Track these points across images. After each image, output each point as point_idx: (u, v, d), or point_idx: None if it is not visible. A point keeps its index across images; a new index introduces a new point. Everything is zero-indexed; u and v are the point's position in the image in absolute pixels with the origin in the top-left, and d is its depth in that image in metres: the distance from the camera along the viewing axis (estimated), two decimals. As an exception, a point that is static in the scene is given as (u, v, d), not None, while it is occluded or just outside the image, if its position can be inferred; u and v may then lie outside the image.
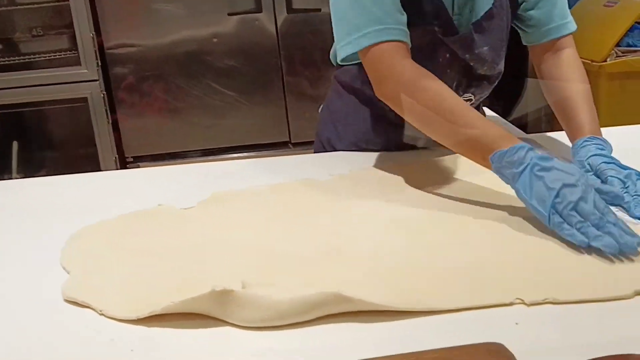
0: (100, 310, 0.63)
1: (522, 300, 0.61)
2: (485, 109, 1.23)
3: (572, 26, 1.02)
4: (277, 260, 0.71)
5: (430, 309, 0.60)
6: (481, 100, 1.06)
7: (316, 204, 0.86)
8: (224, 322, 0.61)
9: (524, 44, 1.06)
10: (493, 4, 0.95)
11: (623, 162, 0.85)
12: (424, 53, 0.93)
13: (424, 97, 0.82)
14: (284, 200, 0.88)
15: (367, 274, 0.67)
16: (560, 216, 0.69)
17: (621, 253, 0.66)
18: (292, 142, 2.53)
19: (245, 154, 2.40)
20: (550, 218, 0.69)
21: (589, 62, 2.12)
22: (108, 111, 2.24)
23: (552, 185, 0.69)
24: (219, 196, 0.90)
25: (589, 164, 0.85)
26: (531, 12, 1.00)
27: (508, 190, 0.78)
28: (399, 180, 0.93)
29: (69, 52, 2.22)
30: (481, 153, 0.77)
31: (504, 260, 0.68)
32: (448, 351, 0.43)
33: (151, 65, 2.28)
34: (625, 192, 0.78)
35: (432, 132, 0.85)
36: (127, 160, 2.35)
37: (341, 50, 0.90)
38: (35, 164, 2.33)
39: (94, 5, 2.17)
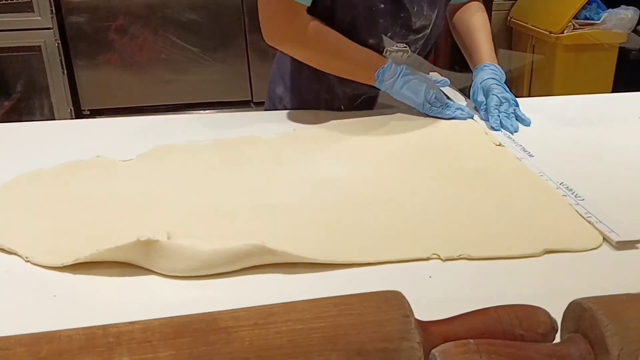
0: (26, 257, 0.64)
1: (438, 255, 0.64)
2: (437, 75, 1.24)
3: None
4: (206, 213, 0.72)
5: (350, 262, 0.63)
6: (418, 52, 1.08)
7: (254, 160, 0.87)
8: (149, 272, 0.62)
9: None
10: None
11: (570, 129, 1.01)
12: (360, 1, 0.97)
13: (313, 42, 0.98)
14: (223, 155, 0.88)
15: (293, 229, 0.69)
16: (429, 103, 1.00)
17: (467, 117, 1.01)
18: (254, 101, 2.51)
19: (206, 112, 2.38)
20: (424, 104, 1.01)
21: (547, 33, 2.15)
22: (63, 61, 2.18)
23: (420, 84, 1.00)
24: (160, 150, 0.90)
25: (483, 83, 1.05)
26: None
27: (436, 154, 0.81)
28: (337, 140, 0.95)
29: (21, -2, 2.15)
30: (367, 73, 1.00)
31: (423, 219, 0.71)
32: (345, 297, 0.45)
33: (110, 15, 2.22)
34: (496, 109, 1.01)
35: (323, 67, 1.02)
36: (84, 112, 2.31)
37: None
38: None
39: (49, -52, 2.09)
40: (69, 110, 2.22)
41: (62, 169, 0.84)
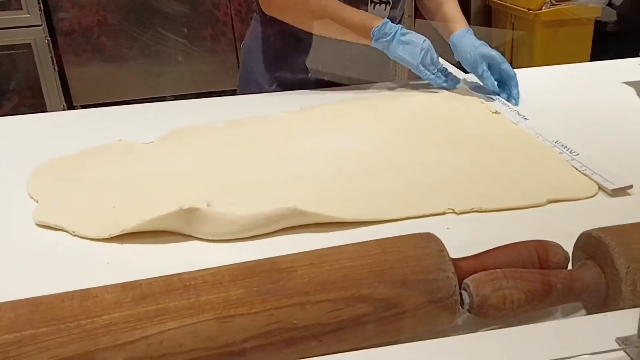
0: (73, 231, 0.69)
1: (452, 210, 0.70)
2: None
3: None
4: (237, 184, 0.77)
5: (375, 219, 0.69)
6: (395, 5, 1.14)
7: (269, 137, 0.92)
8: (190, 238, 0.68)
9: None
10: None
11: (559, 94, 1.09)
12: None
13: (314, 6, 1.05)
14: (240, 133, 0.94)
15: (320, 194, 0.74)
16: (423, 65, 1.05)
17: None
18: (242, 90, 2.55)
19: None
20: (418, 67, 1.04)
21: (526, 10, 2.22)
22: (54, 58, 2.20)
23: (415, 47, 1.04)
24: (178, 132, 0.95)
25: (479, 51, 1.09)
26: None
27: (437, 124, 0.88)
28: (344, 115, 1.00)
29: (8, -4, 2.15)
30: (364, 33, 1.05)
31: (435, 180, 0.77)
32: (386, 239, 0.51)
33: (96, 10, 2.24)
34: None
35: (323, 31, 1.08)
36: (76, 108, 2.33)
37: None
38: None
39: (33, -54, 2.10)
40: (62, 106, 2.24)
41: (87, 153, 0.89)
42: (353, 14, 1.05)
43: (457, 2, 1.20)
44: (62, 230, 0.70)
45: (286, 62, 1.16)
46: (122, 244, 0.67)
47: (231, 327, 0.44)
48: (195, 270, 0.48)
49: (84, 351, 0.42)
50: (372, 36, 1.04)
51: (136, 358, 0.43)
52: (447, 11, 1.17)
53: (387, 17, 1.08)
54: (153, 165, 0.83)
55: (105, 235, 0.67)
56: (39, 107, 2.21)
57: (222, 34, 2.42)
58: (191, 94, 2.45)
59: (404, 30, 1.05)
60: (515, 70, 1.23)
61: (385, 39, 1.04)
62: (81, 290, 0.46)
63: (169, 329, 0.44)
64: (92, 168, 0.84)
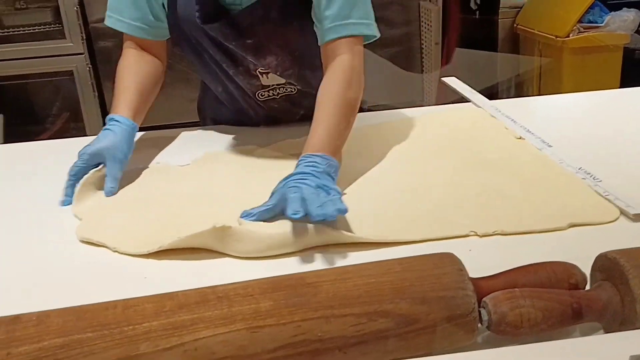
0: (114, 248, 0.73)
1: (475, 232, 0.72)
2: (454, 79, 1.33)
3: (348, 29, 0.88)
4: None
5: (398, 240, 0.71)
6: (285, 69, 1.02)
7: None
8: (223, 255, 0.71)
9: None
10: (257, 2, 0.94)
11: (584, 121, 1.06)
12: (188, 39, 1.00)
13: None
14: (273, 155, 0.98)
15: (346, 216, 0.77)
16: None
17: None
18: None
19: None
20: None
21: (553, 37, 2.24)
22: (94, 84, 2.30)
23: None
24: (211, 155, 1.00)
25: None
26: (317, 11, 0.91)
27: (461, 148, 0.90)
28: (369, 140, 1.03)
29: (53, 26, 2.26)
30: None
31: (458, 202, 0.80)
32: (407, 258, 0.54)
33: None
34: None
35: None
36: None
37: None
38: (22, 137, 2.38)
39: (76, -21, 2.21)
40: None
41: (126, 175, 0.94)
42: (120, 87, 1.00)
43: (332, 117, 0.86)
44: (103, 246, 0.74)
45: None
46: (159, 260, 0.71)
47: (261, 336, 0.47)
48: (227, 284, 0.51)
49: (125, 356, 0.46)
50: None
51: (172, 364, 0.46)
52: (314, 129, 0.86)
53: (285, 81, 1.02)
54: (188, 187, 0.88)
55: (144, 251, 0.71)
56: (79, 130, 2.30)
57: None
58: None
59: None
60: (542, 97, 1.24)
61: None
62: (123, 299, 0.50)
63: (203, 337, 0.47)
64: (131, 188, 0.89)
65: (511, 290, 0.52)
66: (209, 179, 0.91)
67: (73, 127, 2.34)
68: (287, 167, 0.92)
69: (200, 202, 0.83)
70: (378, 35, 0.93)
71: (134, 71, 1.02)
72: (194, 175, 0.92)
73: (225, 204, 0.82)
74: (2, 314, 0.48)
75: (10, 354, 0.45)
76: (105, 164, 0.89)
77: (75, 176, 0.88)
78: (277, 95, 1.07)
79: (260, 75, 1.03)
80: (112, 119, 0.94)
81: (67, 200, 0.86)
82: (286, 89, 1.06)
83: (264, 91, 1.06)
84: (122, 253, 0.72)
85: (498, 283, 0.54)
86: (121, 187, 0.89)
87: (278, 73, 1.02)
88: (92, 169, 0.89)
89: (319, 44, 0.92)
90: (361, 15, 0.90)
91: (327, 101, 0.87)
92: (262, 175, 0.91)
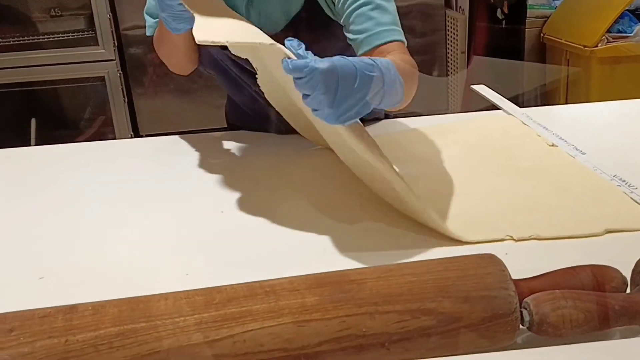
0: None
1: (511, 236, 0.73)
2: (483, 87, 1.34)
3: (385, 36, 0.88)
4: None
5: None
6: None
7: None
8: (265, 251, 0.73)
9: None
10: (282, 29, 0.96)
11: (616, 130, 1.06)
12: (217, 64, 1.04)
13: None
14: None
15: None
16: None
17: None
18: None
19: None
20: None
21: (581, 47, 2.23)
22: (124, 90, 2.34)
23: None
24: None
25: None
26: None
27: (494, 155, 0.91)
28: (403, 146, 1.05)
29: (86, 32, 2.31)
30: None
31: (493, 207, 0.80)
32: (448, 258, 0.55)
33: (164, 46, 2.37)
34: None
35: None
36: (142, 137, 2.46)
37: None
38: (53, 141, 2.43)
39: (109, -13, 2.26)
40: (129, 135, 2.38)
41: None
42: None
43: None
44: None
45: None
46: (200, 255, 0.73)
47: (307, 330, 0.49)
48: (273, 279, 0.53)
49: (177, 346, 0.47)
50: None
51: (222, 355, 0.48)
52: None
53: None
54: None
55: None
56: (108, 136, 2.35)
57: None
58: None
59: None
60: (573, 105, 1.23)
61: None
62: (174, 292, 0.51)
63: (252, 330, 0.48)
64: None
65: (552, 291, 0.53)
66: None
67: (103, 130, 2.39)
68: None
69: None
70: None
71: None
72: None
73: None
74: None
75: (69, 341, 0.47)
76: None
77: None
78: None
79: None
80: None
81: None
82: None
83: None
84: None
85: (539, 284, 0.55)
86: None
87: None
88: None
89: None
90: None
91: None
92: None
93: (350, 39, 0.91)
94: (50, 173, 1.04)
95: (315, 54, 0.65)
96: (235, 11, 0.93)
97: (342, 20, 0.92)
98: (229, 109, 1.28)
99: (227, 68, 1.05)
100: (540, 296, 0.52)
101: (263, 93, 1.01)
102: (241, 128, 1.22)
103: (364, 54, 0.88)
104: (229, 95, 1.21)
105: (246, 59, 0.94)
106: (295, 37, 0.67)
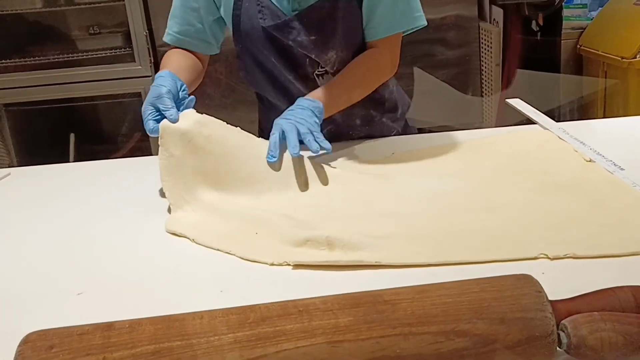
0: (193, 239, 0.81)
1: (546, 255, 0.72)
2: (518, 100, 1.33)
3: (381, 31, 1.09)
4: (339, 217, 0.83)
5: (466, 261, 0.71)
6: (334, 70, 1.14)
7: (367, 178, 0.98)
8: (290, 266, 0.73)
9: None
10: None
11: None
12: (251, 37, 1.10)
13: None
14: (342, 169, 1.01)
15: (412, 233, 0.78)
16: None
17: None
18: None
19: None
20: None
21: (619, 58, 2.18)
22: (159, 106, 2.39)
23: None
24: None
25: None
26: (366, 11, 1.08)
27: (529, 170, 0.89)
28: (435, 160, 1.04)
29: (123, 50, 2.37)
30: None
31: (527, 224, 0.79)
32: (484, 279, 0.54)
33: (198, 62, 2.41)
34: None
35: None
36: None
37: None
38: (92, 156, 2.49)
39: (146, 5, 2.31)
40: (165, 149, 2.41)
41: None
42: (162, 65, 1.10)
43: (342, 83, 1.09)
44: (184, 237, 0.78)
45: None
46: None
47: (340, 351, 0.49)
48: (306, 298, 0.53)
49: (212, 364, 0.48)
50: None
51: (256, 374, 0.48)
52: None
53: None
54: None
55: (217, 247, 0.78)
56: (144, 151, 2.39)
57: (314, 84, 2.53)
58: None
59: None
60: (610, 119, 1.21)
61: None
62: (209, 310, 0.52)
63: (286, 350, 0.48)
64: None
65: (591, 313, 0.52)
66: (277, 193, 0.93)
67: (139, 146, 2.44)
68: (359, 184, 0.95)
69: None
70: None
71: (176, 57, 1.12)
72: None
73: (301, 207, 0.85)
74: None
75: (106, 358, 0.48)
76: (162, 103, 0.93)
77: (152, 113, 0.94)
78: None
79: (316, 78, 1.13)
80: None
81: (154, 126, 0.92)
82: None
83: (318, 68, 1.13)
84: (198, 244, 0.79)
85: (577, 306, 0.54)
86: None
87: (333, 70, 1.12)
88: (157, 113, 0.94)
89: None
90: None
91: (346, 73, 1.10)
92: (329, 188, 0.93)
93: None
94: (88, 189, 1.07)
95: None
96: None
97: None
98: (263, 122, 1.30)
99: (265, 60, 1.12)
100: (578, 318, 0.51)
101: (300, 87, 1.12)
102: None
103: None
104: (263, 106, 1.25)
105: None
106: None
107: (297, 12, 1.07)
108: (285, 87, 1.15)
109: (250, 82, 1.20)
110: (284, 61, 1.12)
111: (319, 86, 1.11)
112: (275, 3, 1.08)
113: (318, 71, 1.13)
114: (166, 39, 1.16)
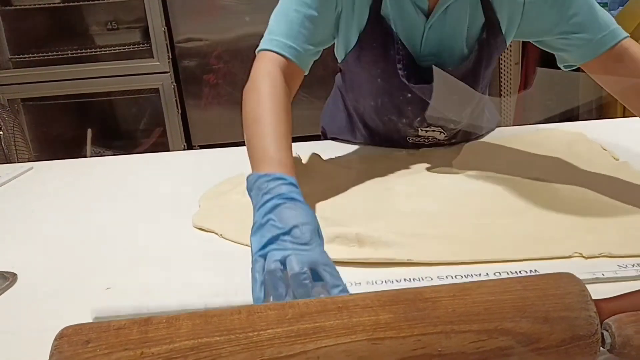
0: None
1: (580, 254, 0.70)
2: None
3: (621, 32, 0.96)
4: (362, 215, 0.82)
5: (504, 259, 0.70)
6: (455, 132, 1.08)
7: (396, 172, 0.97)
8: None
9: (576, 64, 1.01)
10: (468, 57, 0.95)
11: None
12: (387, 91, 1.01)
13: (251, 98, 0.83)
14: (365, 168, 1.00)
15: (443, 231, 0.77)
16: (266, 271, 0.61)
17: None
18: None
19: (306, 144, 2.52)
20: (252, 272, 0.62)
21: None
22: (178, 101, 2.39)
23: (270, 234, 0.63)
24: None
25: None
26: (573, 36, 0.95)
27: (558, 170, 0.91)
28: (466, 158, 1.03)
29: (141, 45, 2.38)
30: (254, 166, 0.75)
31: (562, 222, 0.78)
32: (526, 277, 0.53)
33: (217, 60, 2.41)
34: None
35: (244, 133, 0.83)
36: (194, 148, 2.50)
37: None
38: (108, 150, 2.50)
39: (165, 1, 2.32)
40: (182, 145, 2.42)
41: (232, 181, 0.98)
42: (266, 140, 0.77)
43: None
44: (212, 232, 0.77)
45: None
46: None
47: (381, 348, 0.48)
48: (344, 295, 0.52)
49: (251, 360, 0.47)
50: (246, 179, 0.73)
51: (296, 371, 0.47)
52: None
53: (441, 133, 1.04)
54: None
55: (243, 241, 0.77)
56: (162, 147, 2.40)
57: (330, 80, 2.52)
58: (301, 136, 2.55)
59: (279, 202, 0.65)
60: (629, 118, 1.18)
61: (251, 193, 0.71)
62: (247, 306, 0.51)
63: (325, 346, 0.48)
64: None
65: (636, 312, 0.50)
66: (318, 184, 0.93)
67: (157, 142, 2.45)
68: (388, 182, 0.94)
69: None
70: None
71: (283, 108, 0.84)
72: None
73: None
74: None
75: (144, 353, 0.47)
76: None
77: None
78: (426, 141, 1.09)
79: (418, 129, 1.05)
80: (290, 183, 0.69)
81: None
82: (436, 138, 1.08)
83: (415, 137, 1.08)
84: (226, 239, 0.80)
85: (621, 305, 0.52)
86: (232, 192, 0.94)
87: (441, 126, 1.04)
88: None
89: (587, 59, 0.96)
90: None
91: None
92: (360, 187, 0.93)
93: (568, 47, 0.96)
94: (113, 183, 1.07)
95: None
96: (412, 34, 0.94)
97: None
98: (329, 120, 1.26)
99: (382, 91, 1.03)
100: (622, 317, 0.50)
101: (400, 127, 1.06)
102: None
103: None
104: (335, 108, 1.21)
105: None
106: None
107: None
108: (382, 114, 1.06)
109: (345, 89, 1.15)
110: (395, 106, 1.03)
111: (417, 134, 1.05)
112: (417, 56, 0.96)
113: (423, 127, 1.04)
114: (286, 52, 0.89)
